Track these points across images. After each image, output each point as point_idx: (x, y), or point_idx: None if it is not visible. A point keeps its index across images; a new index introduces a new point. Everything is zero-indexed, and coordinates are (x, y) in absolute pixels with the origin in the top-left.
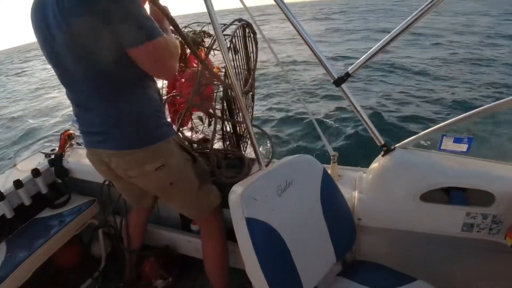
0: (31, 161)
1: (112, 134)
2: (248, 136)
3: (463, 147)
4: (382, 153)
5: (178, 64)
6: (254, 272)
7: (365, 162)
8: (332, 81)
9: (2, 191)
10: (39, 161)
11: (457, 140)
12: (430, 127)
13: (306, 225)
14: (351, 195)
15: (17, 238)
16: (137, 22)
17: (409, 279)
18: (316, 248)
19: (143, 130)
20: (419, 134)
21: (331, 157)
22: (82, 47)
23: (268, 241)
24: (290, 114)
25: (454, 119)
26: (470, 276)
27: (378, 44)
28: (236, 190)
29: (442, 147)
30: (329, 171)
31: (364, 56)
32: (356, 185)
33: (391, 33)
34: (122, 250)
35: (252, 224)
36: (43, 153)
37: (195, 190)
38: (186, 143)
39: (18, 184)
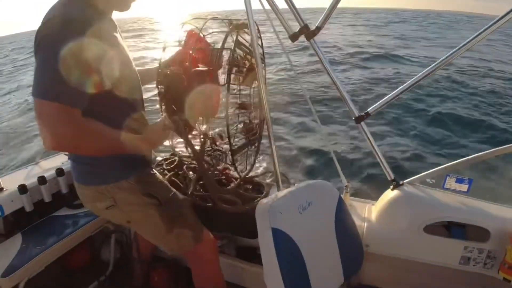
0: (53, 160)
1: (74, 164)
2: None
3: (464, 187)
4: (391, 187)
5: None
6: (274, 278)
7: (375, 195)
8: (353, 118)
9: (26, 184)
10: (62, 162)
11: (459, 181)
12: (436, 166)
13: (321, 243)
14: (361, 223)
15: (33, 232)
16: (37, 74)
17: None
18: (328, 266)
19: (95, 168)
20: (426, 172)
21: (344, 186)
22: None
23: (288, 251)
24: (308, 144)
25: (458, 161)
26: None
27: (402, 87)
28: (265, 203)
29: (445, 186)
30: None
31: (385, 98)
32: (366, 215)
33: (415, 77)
34: (131, 258)
35: (277, 234)
36: (67, 155)
37: (161, 232)
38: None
39: (42, 180)
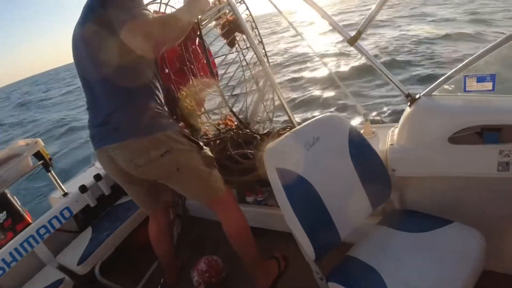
0: None
1: (114, 127)
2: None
3: (488, 85)
4: (408, 103)
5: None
6: (291, 219)
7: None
8: (347, 41)
9: (85, 184)
10: None
11: (480, 79)
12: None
13: (338, 177)
14: (384, 148)
15: (101, 223)
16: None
17: (447, 222)
18: (350, 199)
19: (145, 120)
20: (440, 79)
21: (363, 115)
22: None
23: (299, 189)
24: (319, 82)
25: (472, 57)
26: (507, 218)
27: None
28: (269, 147)
29: (467, 89)
30: (362, 131)
31: (370, 12)
32: (389, 139)
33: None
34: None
35: (283, 173)
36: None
37: (203, 176)
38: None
39: (98, 177)
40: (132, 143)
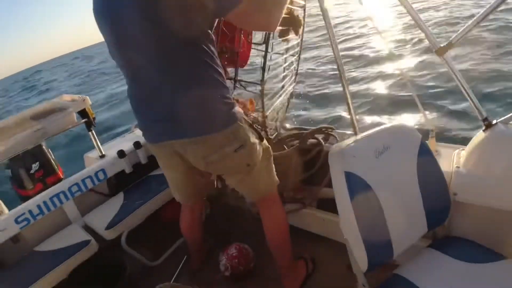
0: None
1: (183, 121)
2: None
3: None
4: (483, 127)
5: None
6: (349, 225)
7: (464, 140)
8: (434, 50)
9: (124, 150)
10: None
11: None
12: None
13: (401, 190)
14: (448, 169)
15: (133, 190)
16: None
17: (500, 257)
18: (409, 214)
19: (217, 113)
20: None
21: (430, 131)
22: (159, 12)
23: (364, 196)
24: (389, 85)
25: None
26: None
27: (483, 11)
28: (336, 148)
29: None
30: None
31: (467, 24)
32: (454, 160)
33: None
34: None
35: (350, 178)
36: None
37: (263, 169)
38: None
39: (137, 145)
40: (206, 139)
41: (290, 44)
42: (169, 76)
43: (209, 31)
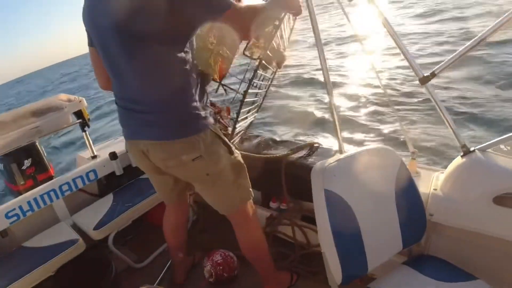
0: None
1: (151, 123)
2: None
3: None
4: (461, 153)
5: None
6: (326, 240)
7: (445, 163)
8: (418, 79)
9: (116, 152)
10: None
11: None
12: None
13: (378, 209)
14: (426, 191)
15: (122, 192)
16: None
17: (471, 277)
18: (385, 233)
19: (182, 120)
20: (500, 138)
21: (411, 153)
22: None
23: (342, 214)
24: (373, 107)
25: None
26: None
27: (467, 44)
28: (319, 165)
29: None
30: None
31: (451, 56)
32: (433, 183)
33: (480, 34)
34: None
35: (329, 195)
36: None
37: (229, 183)
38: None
39: None
40: (164, 144)
41: (267, 73)
42: (140, 76)
43: (186, 37)
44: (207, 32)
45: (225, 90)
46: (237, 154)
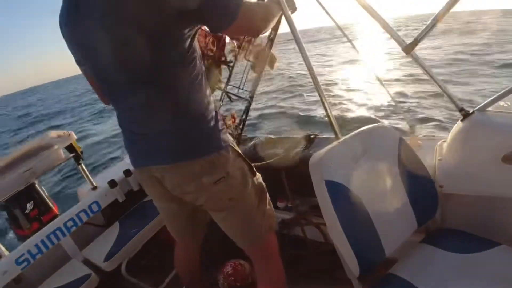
0: None
1: (162, 146)
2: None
3: None
4: (461, 118)
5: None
6: (337, 233)
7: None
8: (401, 48)
9: (115, 179)
10: None
11: None
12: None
13: (386, 191)
14: (432, 163)
15: (128, 219)
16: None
17: (493, 244)
18: (397, 214)
19: (199, 137)
20: (496, 95)
21: (409, 128)
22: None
23: (348, 203)
24: (363, 86)
25: None
26: None
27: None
28: (315, 156)
29: None
30: (408, 142)
31: (429, 22)
32: (437, 153)
33: None
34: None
35: (331, 186)
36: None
37: (254, 209)
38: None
39: (127, 172)
40: (182, 166)
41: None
42: (148, 103)
43: (191, 48)
44: None
45: (229, 98)
46: (259, 175)
